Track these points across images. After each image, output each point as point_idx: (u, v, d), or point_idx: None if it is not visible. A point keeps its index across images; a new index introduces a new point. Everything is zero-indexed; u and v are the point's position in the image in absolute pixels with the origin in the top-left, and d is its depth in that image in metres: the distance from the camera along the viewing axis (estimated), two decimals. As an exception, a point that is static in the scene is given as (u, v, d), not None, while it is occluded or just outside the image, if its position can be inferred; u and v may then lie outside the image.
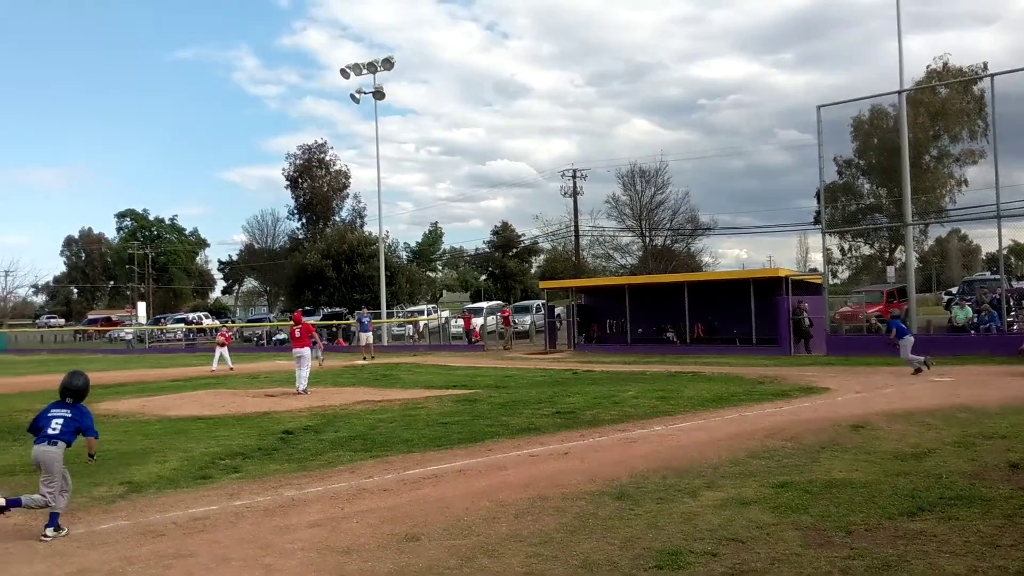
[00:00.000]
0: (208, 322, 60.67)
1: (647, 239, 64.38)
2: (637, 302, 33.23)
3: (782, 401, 14.53)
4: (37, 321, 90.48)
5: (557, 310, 39.12)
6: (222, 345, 28.75)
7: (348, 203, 79.27)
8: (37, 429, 7.18)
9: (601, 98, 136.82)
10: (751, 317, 28.93)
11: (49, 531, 6.90)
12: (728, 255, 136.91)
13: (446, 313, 46.52)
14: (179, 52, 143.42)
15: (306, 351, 18.48)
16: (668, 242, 64.33)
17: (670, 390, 16.50)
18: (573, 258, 69.05)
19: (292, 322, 19.67)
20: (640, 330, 33.30)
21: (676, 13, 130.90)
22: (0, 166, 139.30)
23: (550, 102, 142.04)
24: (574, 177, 67.33)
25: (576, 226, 67.63)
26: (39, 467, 7.09)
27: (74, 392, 7.33)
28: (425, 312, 49.90)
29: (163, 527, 7.11)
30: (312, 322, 41.50)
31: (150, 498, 8.34)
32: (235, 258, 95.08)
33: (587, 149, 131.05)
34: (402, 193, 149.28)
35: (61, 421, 7.14)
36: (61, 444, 7.10)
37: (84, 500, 8.21)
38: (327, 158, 78.74)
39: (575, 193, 67.14)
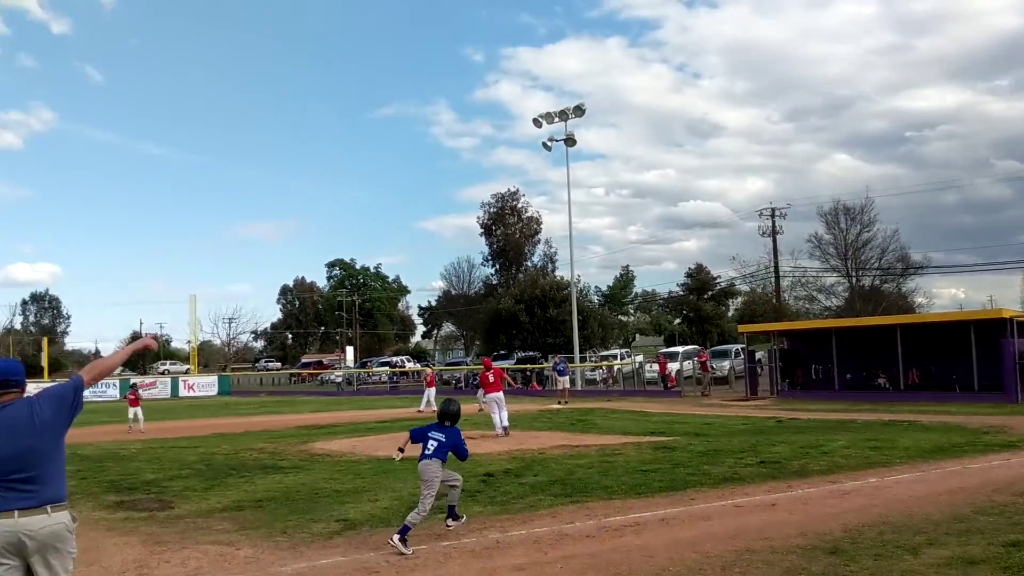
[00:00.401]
0: (410, 365, 63.10)
1: (854, 279, 61.43)
2: (844, 346, 31.64)
3: (1009, 453, 13.38)
4: (257, 364, 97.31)
5: (758, 355, 37.80)
6: (429, 386, 29.85)
7: (540, 249, 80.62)
8: (417, 440, 8.42)
9: (799, 134, 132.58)
10: (972, 362, 26.86)
11: (395, 538, 7.79)
12: (943, 295, 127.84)
13: (639, 357, 46.08)
14: (382, 110, 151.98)
15: (500, 395, 18.98)
16: (877, 282, 61.14)
17: (884, 440, 15.54)
18: (773, 300, 66.73)
19: (483, 367, 20.17)
20: (848, 376, 31.65)
21: (877, 44, 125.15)
22: (226, 220, 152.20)
23: (744, 140, 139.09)
24: (773, 216, 65.44)
25: (776, 267, 65.52)
26: (422, 479, 8.21)
27: (451, 416, 8.52)
28: (618, 356, 49.68)
29: (377, 564, 7.41)
30: (505, 366, 42.38)
31: (364, 535, 8.71)
32: (434, 304, 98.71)
33: (785, 187, 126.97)
34: (593, 237, 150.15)
35: (435, 443, 8.24)
36: (436, 460, 8.19)
37: (305, 536, 8.70)
38: (519, 205, 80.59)
39: (774, 232, 65.21)
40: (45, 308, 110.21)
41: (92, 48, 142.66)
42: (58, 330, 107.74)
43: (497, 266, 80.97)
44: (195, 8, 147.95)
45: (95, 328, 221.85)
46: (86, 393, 4.82)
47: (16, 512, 4.26)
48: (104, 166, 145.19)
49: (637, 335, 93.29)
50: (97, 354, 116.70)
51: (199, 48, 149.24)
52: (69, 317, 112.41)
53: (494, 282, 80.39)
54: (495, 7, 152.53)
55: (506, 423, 18.92)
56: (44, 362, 63.53)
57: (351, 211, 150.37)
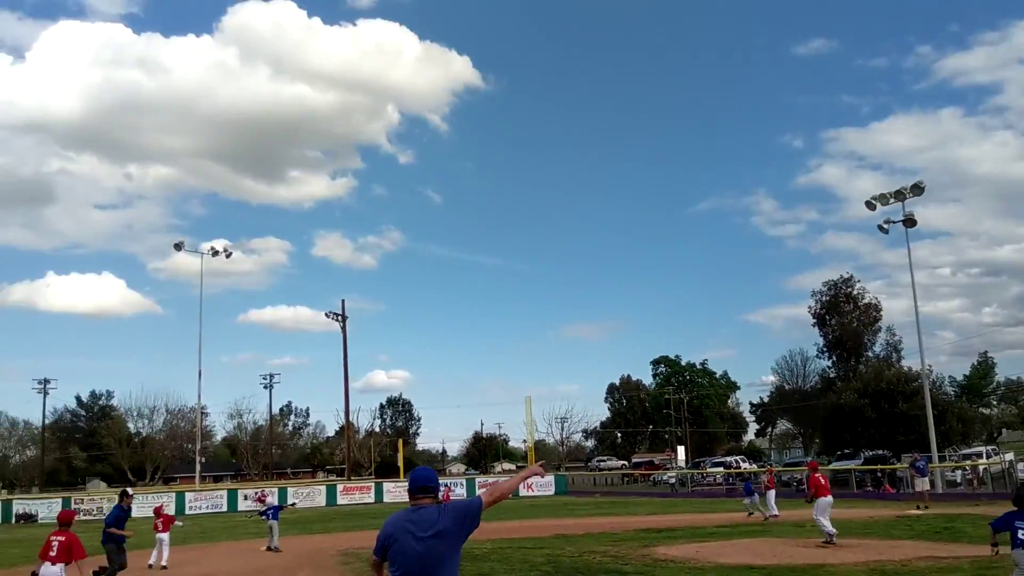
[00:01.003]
0: (746, 466, 60.96)
1: None
2: None
3: None
4: (589, 464, 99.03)
5: None
6: (769, 488, 28.68)
7: (881, 337, 75.42)
8: (1002, 528, 8.40)
9: None
10: None
11: None
12: None
13: (1009, 456, 40.94)
14: (699, 204, 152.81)
15: (830, 499, 18.09)
16: None
17: None
18: None
19: (808, 469, 19.22)
20: None
21: None
22: (553, 323, 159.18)
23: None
24: None
25: None
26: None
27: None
28: (983, 455, 44.49)
29: None
30: (852, 466, 39.59)
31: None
32: (766, 399, 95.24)
33: None
34: (940, 322, 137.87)
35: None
36: None
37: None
38: (854, 292, 76.26)
39: None
40: (399, 411, 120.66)
41: (432, 173, 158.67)
42: (410, 431, 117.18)
43: (834, 358, 76.76)
44: (515, 129, 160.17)
45: (441, 428, 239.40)
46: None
47: None
48: (444, 279, 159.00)
49: (1003, 430, 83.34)
50: (443, 454, 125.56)
51: (521, 164, 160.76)
52: (419, 419, 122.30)
53: (831, 375, 76.13)
54: (813, 92, 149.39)
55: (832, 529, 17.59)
56: (400, 462, 69.15)
57: (673, 307, 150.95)
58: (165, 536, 19.19)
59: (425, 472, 5.58)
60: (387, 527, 5.36)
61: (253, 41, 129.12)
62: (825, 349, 77.15)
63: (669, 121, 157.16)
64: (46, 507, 44.33)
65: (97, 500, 48.18)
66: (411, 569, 5.12)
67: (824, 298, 76.27)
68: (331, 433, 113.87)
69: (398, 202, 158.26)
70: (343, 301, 65.56)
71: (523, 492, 52.72)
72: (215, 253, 62.92)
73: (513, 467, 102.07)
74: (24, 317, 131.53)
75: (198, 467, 63.43)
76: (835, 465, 49.88)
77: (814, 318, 76.63)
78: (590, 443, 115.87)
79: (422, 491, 5.38)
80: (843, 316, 74.84)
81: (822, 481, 18.49)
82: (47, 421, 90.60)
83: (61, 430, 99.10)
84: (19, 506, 45.73)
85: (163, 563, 18.92)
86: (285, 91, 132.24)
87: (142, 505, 46.64)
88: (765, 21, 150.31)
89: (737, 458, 67.99)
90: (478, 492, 5.73)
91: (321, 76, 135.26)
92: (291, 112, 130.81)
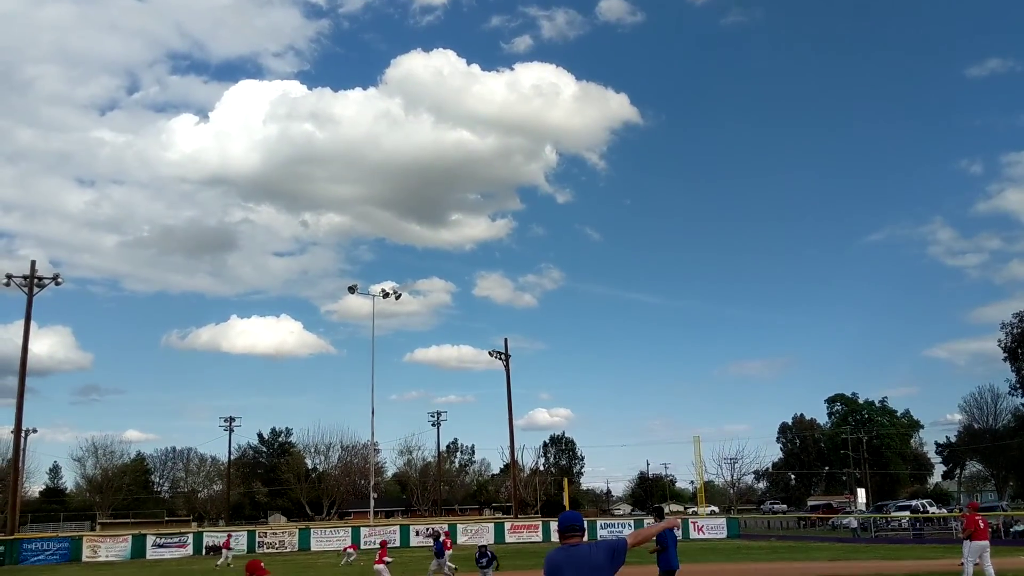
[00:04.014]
0: (933, 510, 57.06)
1: None
2: None
3: None
4: (762, 507, 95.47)
5: None
6: (978, 538, 26.62)
7: (1084, 372, 69.34)
8: None
9: None
10: None
11: None
12: None
13: None
14: (871, 236, 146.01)
15: (986, 543, 17.77)
16: None
17: None
18: None
19: (969, 509, 18.22)
20: None
21: None
22: (719, 361, 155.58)
23: None
24: None
25: None
26: None
27: None
28: None
29: None
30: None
31: None
32: (953, 440, 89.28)
33: None
34: None
35: None
36: None
37: None
38: (1048, 324, 70.66)
39: None
40: (562, 450, 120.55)
41: (590, 212, 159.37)
42: (574, 470, 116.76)
43: (1029, 395, 71.21)
44: (674, 163, 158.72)
45: (605, 468, 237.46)
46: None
47: None
48: (605, 317, 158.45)
49: None
50: (608, 494, 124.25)
51: (680, 199, 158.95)
52: (583, 458, 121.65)
53: (1027, 413, 70.60)
54: (990, 114, 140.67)
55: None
56: (565, 500, 69.10)
57: (847, 343, 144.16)
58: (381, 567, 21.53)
59: (573, 514, 6.45)
60: (554, 562, 6.08)
61: (416, 90, 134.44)
62: (1018, 385, 71.67)
63: (837, 149, 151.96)
64: (233, 539, 46.79)
65: (279, 534, 50.50)
66: None
67: (1015, 330, 71.10)
68: (496, 470, 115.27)
69: (557, 241, 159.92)
70: (506, 340, 66.44)
71: (693, 534, 51.38)
72: (385, 295, 65.24)
73: (680, 508, 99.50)
74: (211, 358, 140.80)
75: (371, 502, 65.45)
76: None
77: (1005, 352, 71.53)
78: (762, 485, 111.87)
79: (571, 530, 6.18)
80: (1039, 349, 69.39)
81: (980, 524, 18.09)
82: (232, 457, 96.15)
83: (244, 465, 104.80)
84: (208, 538, 48.50)
85: None
86: (447, 137, 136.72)
87: (320, 539, 48.60)
88: (937, 43, 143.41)
89: (925, 501, 63.72)
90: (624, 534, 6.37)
91: (481, 121, 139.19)
92: (453, 157, 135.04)
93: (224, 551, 37.04)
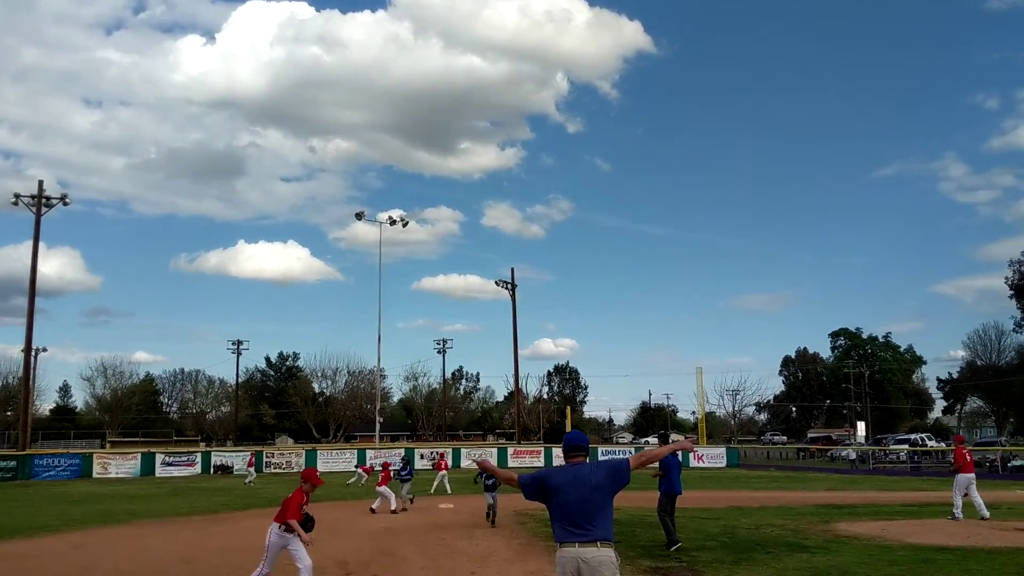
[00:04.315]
0: (932, 444, 57.70)
1: None
2: None
3: None
4: (762, 438, 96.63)
5: None
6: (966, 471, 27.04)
7: (1090, 310, 69.30)
8: None
9: None
10: None
11: None
12: None
13: None
14: (882, 170, 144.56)
15: (972, 476, 18.08)
16: None
17: None
18: None
19: (955, 442, 18.48)
20: None
21: None
22: (725, 294, 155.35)
23: None
24: None
25: None
26: None
27: None
28: None
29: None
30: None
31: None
32: (955, 376, 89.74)
33: None
34: None
35: None
36: None
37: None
38: (1059, 261, 70.36)
39: None
40: (566, 379, 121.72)
41: (601, 142, 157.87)
42: (577, 399, 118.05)
43: (1034, 332, 71.32)
44: (687, 94, 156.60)
45: (608, 398, 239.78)
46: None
47: (576, 544, 5.92)
48: (613, 248, 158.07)
49: None
50: (610, 423, 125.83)
51: (692, 131, 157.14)
52: (586, 387, 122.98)
53: (1032, 351, 70.82)
54: (1008, 48, 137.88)
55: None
56: (567, 427, 69.94)
57: (854, 278, 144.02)
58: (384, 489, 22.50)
59: (578, 434, 6.53)
60: (552, 478, 6.18)
61: (425, 14, 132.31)
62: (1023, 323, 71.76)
63: (851, 82, 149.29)
64: (240, 459, 47.63)
65: (286, 455, 51.38)
66: (575, 517, 5.98)
67: (1023, 268, 70.76)
68: (500, 398, 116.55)
69: (567, 171, 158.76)
70: (512, 270, 66.60)
71: (693, 463, 52.11)
72: (392, 222, 65.30)
73: (681, 437, 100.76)
74: (219, 282, 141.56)
75: (377, 426, 66.47)
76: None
77: (1011, 289, 71.43)
78: (763, 417, 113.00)
79: (576, 450, 6.31)
80: (1045, 287, 69.24)
81: (967, 457, 18.46)
82: (240, 380, 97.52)
83: (252, 388, 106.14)
84: (217, 458, 49.38)
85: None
86: (456, 63, 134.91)
87: (326, 460, 49.41)
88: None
89: (924, 435, 64.41)
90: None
91: (491, 47, 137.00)
92: (462, 84, 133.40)
93: (249, 470, 37.78)
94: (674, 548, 13.44)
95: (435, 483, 29.78)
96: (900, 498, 25.83)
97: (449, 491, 28.68)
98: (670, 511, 14.08)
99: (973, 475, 18.32)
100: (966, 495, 18.01)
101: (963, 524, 16.98)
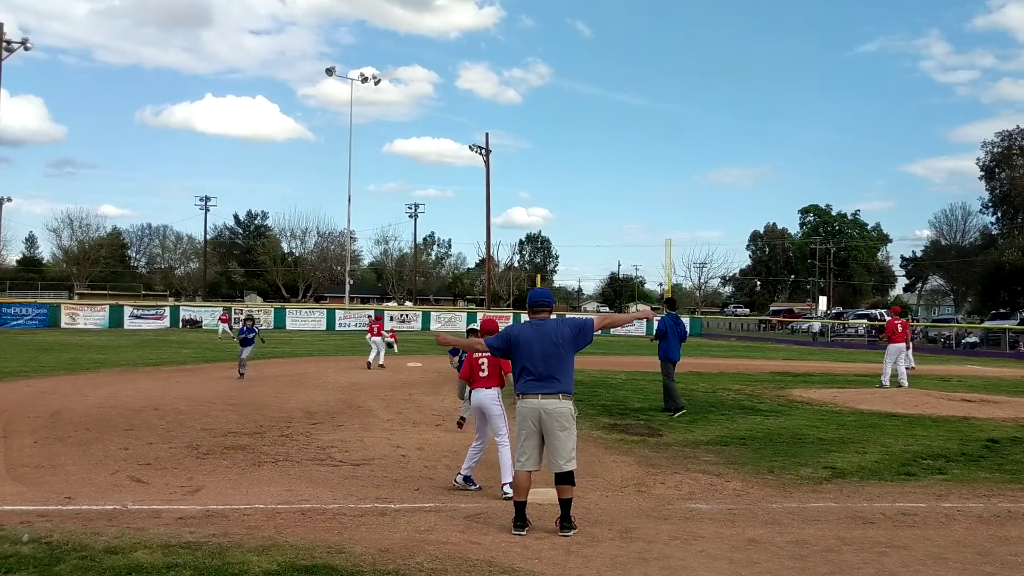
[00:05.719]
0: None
1: None
2: None
3: None
4: (725, 310, 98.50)
5: None
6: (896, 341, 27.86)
7: (1057, 195, 69.96)
8: None
9: None
10: None
11: None
12: None
13: None
14: (863, 46, 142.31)
15: (902, 346, 18.98)
16: None
17: None
18: None
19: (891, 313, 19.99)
20: None
21: None
22: (699, 167, 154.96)
23: None
24: None
25: None
26: None
27: None
28: None
29: (871, 515, 7.14)
30: (1007, 325, 37.67)
31: (854, 485, 8.44)
32: (919, 254, 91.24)
33: None
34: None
35: None
36: None
37: (792, 478, 8.70)
38: (1031, 144, 70.47)
39: None
40: (538, 248, 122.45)
41: (582, 4, 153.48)
42: (548, 268, 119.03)
43: (999, 214, 72.12)
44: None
45: (579, 268, 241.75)
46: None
47: (540, 395, 6.29)
48: (589, 118, 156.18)
49: None
50: (579, 292, 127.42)
51: (674, 1, 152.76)
52: (557, 257, 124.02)
53: (994, 232, 71.83)
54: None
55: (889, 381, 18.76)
56: (538, 296, 70.79)
57: (827, 155, 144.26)
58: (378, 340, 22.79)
59: (543, 290, 6.98)
60: (516, 333, 6.46)
61: None
62: (990, 204, 72.49)
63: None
64: (209, 314, 47.88)
65: (255, 312, 51.67)
66: (537, 368, 6.30)
67: (996, 149, 70.82)
68: (472, 265, 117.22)
69: (546, 34, 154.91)
70: (487, 135, 65.70)
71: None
72: (364, 79, 63.75)
73: (647, 307, 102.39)
74: (186, 136, 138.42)
75: (347, 288, 66.80)
76: (988, 324, 47.85)
77: (982, 171, 71.65)
78: (728, 290, 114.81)
79: (540, 306, 6.63)
80: (1015, 170, 69.51)
81: (899, 328, 19.10)
82: (208, 237, 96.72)
83: (221, 246, 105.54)
84: (185, 312, 49.58)
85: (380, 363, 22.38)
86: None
87: (295, 319, 49.77)
88: None
89: (882, 311, 65.99)
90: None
91: None
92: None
93: (221, 324, 38.32)
94: (678, 414, 13.39)
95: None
96: (855, 369, 26.64)
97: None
98: (671, 376, 14.02)
99: (903, 345, 19.04)
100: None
101: (912, 393, 17.60)
